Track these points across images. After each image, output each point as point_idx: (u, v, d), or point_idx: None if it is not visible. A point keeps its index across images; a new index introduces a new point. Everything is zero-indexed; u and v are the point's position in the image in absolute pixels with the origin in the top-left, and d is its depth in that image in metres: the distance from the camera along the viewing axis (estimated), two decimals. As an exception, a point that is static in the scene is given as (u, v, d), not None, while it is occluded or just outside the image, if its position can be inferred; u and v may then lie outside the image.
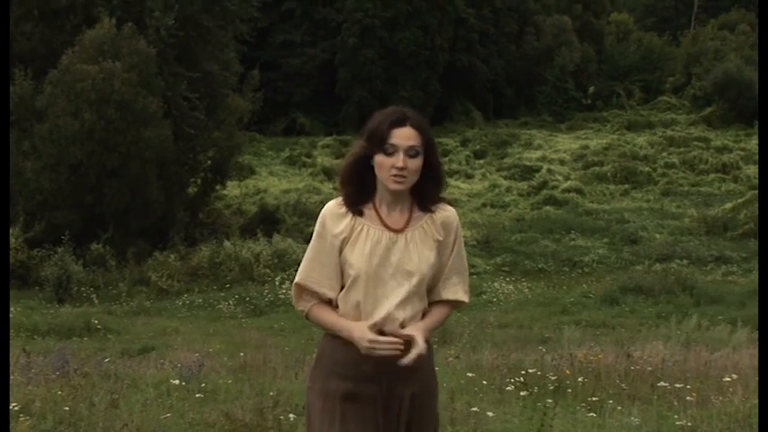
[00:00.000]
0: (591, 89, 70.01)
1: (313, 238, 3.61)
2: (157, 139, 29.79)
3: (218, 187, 36.73)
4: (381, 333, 3.47)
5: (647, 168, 47.47)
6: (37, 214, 29.15)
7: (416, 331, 3.49)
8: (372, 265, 3.50)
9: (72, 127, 28.73)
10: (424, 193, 3.57)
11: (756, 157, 48.54)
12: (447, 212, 3.63)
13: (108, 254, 28.40)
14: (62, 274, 25.98)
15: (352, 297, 3.53)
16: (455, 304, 3.71)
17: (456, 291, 3.66)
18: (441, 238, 3.59)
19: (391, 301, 3.50)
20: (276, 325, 21.00)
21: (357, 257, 3.50)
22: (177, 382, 8.50)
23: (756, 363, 8.94)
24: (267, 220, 34.63)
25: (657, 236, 35.37)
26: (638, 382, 8.47)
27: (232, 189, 40.10)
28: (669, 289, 24.70)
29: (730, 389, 7.72)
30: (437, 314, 3.66)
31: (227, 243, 30.15)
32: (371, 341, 3.43)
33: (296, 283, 3.62)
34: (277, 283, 26.59)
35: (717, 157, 48.71)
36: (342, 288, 3.58)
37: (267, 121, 54.09)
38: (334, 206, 3.58)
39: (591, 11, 76.16)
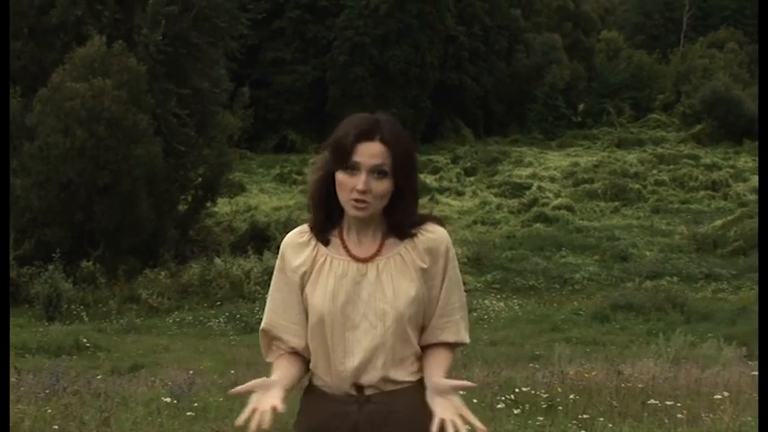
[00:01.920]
0: (581, 107, 70.22)
1: (273, 275, 3.03)
2: (148, 156, 29.78)
3: (208, 204, 36.69)
4: (360, 388, 2.89)
5: (637, 186, 47.58)
6: (27, 232, 29.08)
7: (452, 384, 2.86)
8: (338, 305, 2.85)
9: (62, 145, 28.70)
10: (396, 218, 2.92)
11: (746, 174, 48.78)
12: (433, 234, 2.94)
13: (98, 271, 28.33)
14: (52, 291, 25.89)
15: (317, 346, 2.91)
16: (456, 347, 3.06)
17: (458, 330, 3.00)
18: (425, 266, 2.91)
19: (365, 346, 2.86)
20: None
21: (319, 296, 2.88)
22: (168, 400, 8.48)
23: (747, 380, 8.96)
24: (258, 238, 34.59)
25: (648, 253, 35.42)
26: (628, 400, 8.47)
27: (222, 206, 40.06)
28: (659, 306, 24.74)
29: (721, 406, 7.73)
30: (442, 359, 2.98)
31: (217, 260, 30.11)
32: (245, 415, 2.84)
33: (261, 330, 3.04)
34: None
35: (706, 175, 48.86)
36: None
37: (258, 139, 54.14)
38: (294, 235, 2.99)
39: (581, 29, 76.52)
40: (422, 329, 2.98)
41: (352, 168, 2.81)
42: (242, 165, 46.60)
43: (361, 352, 2.86)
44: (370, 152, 2.81)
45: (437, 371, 2.91)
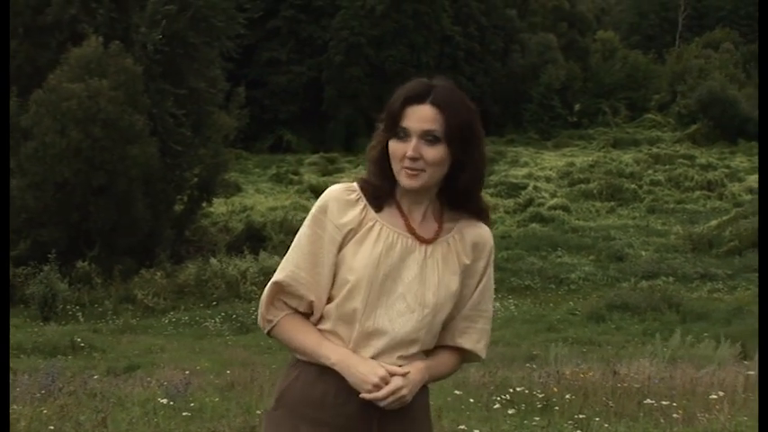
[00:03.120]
0: (577, 107, 70.29)
1: (305, 226, 2.70)
2: (144, 156, 29.75)
3: (204, 204, 36.68)
4: None
5: (632, 186, 47.63)
6: (22, 232, 29.04)
7: (413, 369, 2.65)
8: (379, 275, 2.61)
9: (58, 145, 28.67)
10: (452, 194, 2.69)
11: (741, 174, 48.84)
12: (482, 230, 2.74)
13: (94, 272, 28.30)
14: (47, 292, 25.86)
15: (347, 306, 2.63)
16: (468, 357, 2.83)
17: (478, 339, 2.77)
18: (468, 262, 2.71)
19: (396, 327, 2.62)
20: (263, 342, 20.94)
21: (362, 259, 2.62)
22: (164, 400, 8.47)
23: (743, 380, 8.97)
24: (253, 238, 34.59)
25: (643, 253, 35.44)
26: (624, 400, 8.48)
27: (218, 206, 40.05)
28: (655, 306, 24.75)
29: (717, 406, 7.74)
30: (445, 361, 2.78)
31: (213, 260, 30.10)
32: (387, 385, 2.59)
33: (275, 282, 2.72)
34: (263, 300, 26.54)
35: (702, 175, 48.92)
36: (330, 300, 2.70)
37: (254, 139, 54.16)
38: (341, 191, 2.70)
39: (576, 29, 76.58)
40: (445, 328, 2.76)
41: (403, 135, 2.61)
42: (238, 165, 46.62)
43: (390, 332, 2.62)
44: (420, 116, 2.60)
45: (429, 360, 2.72)
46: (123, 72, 29.92)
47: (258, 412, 7.83)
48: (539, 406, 8.37)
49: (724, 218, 38.99)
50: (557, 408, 8.26)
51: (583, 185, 47.81)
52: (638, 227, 41.27)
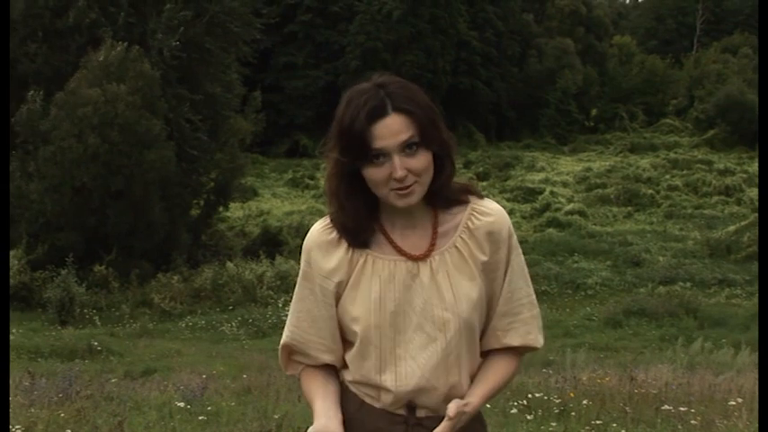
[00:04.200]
0: (593, 111, 70.12)
1: (298, 279, 2.48)
2: (161, 161, 29.83)
3: (220, 209, 36.77)
4: (412, 408, 2.36)
5: (650, 191, 47.49)
6: (40, 236, 29.16)
7: (457, 406, 2.29)
8: (386, 316, 2.31)
9: (76, 149, 28.77)
10: (440, 187, 2.37)
11: (758, 179, 48.49)
12: (490, 217, 2.39)
13: (111, 275, 28.40)
14: (65, 296, 25.95)
15: (364, 365, 2.37)
16: (524, 352, 2.51)
17: (526, 331, 2.44)
18: (486, 258, 2.37)
19: (421, 364, 2.31)
20: (279, 347, 20.94)
21: (362, 307, 2.33)
22: (180, 404, 8.48)
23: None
24: (270, 242, 34.63)
25: (661, 258, 35.33)
26: (641, 406, 8.44)
27: (235, 211, 40.14)
28: (672, 312, 24.66)
29: (735, 413, 7.69)
30: (499, 371, 2.44)
31: (229, 265, 30.15)
32: None
33: (283, 345, 2.52)
34: (280, 305, 26.58)
35: (720, 180, 48.75)
36: (349, 346, 2.44)
37: (270, 143, 54.24)
38: (320, 232, 2.42)
39: (593, 33, 76.42)
40: (481, 333, 2.44)
41: (377, 156, 2.27)
42: (254, 169, 46.70)
43: (417, 371, 2.31)
44: (391, 130, 2.27)
45: (476, 389, 2.38)
46: (141, 77, 30.03)
47: (275, 417, 7.83)
48: (555, 411, 8.34)
49: (742, 223, 38.81)
50: (573, 413, 8.23)
51: (600, 190, 47.69)
52: (655, 232, 41.13)
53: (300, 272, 2.47)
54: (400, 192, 2.28)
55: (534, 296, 2.47)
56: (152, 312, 27.22)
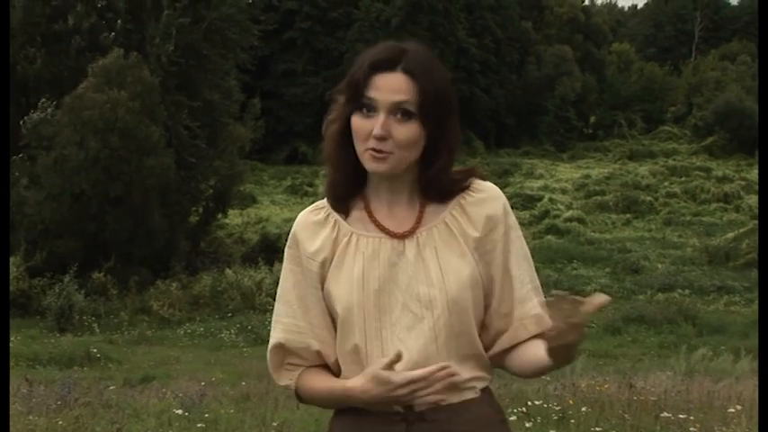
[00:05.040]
0: (592, 119, 70.23)
1: (283, 266, 2.31)
2: (160, 167, 29.84)
3: (219, 216, 36.76)
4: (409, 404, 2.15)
5: (648, 198, 47.54)
6: (38, 243, 29.15)
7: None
8: (369, 295, 2.16)
9: (76, 156, 28.78)
10: (429, 176, 2.20)
11: (757, 186, 48.57)
12: (484, 193, 2.23)
13: (109, 283, 28.37)
14: (64, 303, 25.93)
15: (346, 348, 2.19)
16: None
17: (542, 317, 2.20)
18: (478, 234, 2.19)
19: (409, 346, 2.13)
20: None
21: (344, 286, 2.17)
22: (179, 411, 8.47)
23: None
24: (268, 249, 34.61)
25: (659, 265, 35.34)
26: (641, 413, 8.42)
27: (233, 218, 40.14)
28: (671, 319, 24.67)
29: (734, 420, 7.68)
30: (526, 350, 2.21)
31: (228, 271, 30.14)
32: (403, 381, 2.06)
33: (274, 346, 2.29)
34: (279, 312, 26.56)
35: (718, 187, 48.82)
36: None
37: (269, 150, 54.27)
38: (308, 213, 2.33)
39: (592, 41, 76.57)
40: (487, 326, 2.23)
41: (368, 108, 2.14)
42: (253, 176, 46.71)
43: (405, 354, 2.09)
44: (390, 86, 2.13)
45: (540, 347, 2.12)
46: (140, 83, 30.05)
47: (274, 424, 7.82)
48: (555, 418, 8.33)
49: (741, 230, 38.84)
50: (573, 421, 8.22)
51: (598, 197, 47.73)
52: (654, 239, 41.15)
53: (286, 257, 2.29)
54: (374, 153, 2.13)
55: (538, 284, 2.29)
56: (151, 319, 27.20)
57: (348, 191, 2.25)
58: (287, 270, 2.28)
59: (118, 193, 29.17)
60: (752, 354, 15.09)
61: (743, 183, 49.67)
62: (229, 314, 27.62)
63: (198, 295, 29.01)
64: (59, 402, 9.10)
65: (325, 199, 2.31)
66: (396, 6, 60.02)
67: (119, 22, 32.78)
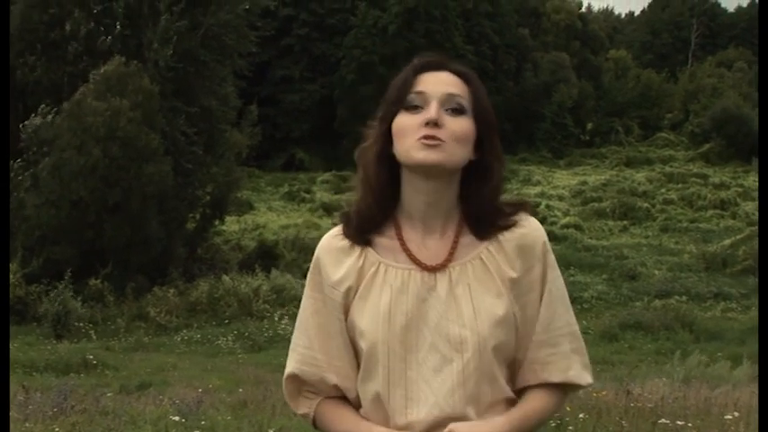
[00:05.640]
0: (589, 125, 70.28)
1: (304, 294, 2.17)
2: (158, 175, 29.82)
3: (216, 222, 36.72)
4: None
5: (645, 204, 47.56)
6: (36, 250, 29.11)
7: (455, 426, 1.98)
8: (395, 331, 2.01)
9: (76, 162, 28.76)
10: (475, 201, 2.07)
11: (755, 193, 48.64)
12: (525, 228, 2.11)
13: (106, 289, 28.33)
14: (60, 309, 25.89)
15: (368, 388, 2.06)
16: (568, 389, 2.16)
17: (567, 366, 2.10)
18: (515, 274, 2.06)
19: (435, 389, 1.99)
20: (275, 361, 20.90)
21: (369, 319, 2.03)
22: (176, 418, 8.46)
23: (757, 401, 8.90)
24: (266, 256, 34.60)
25: (656, 272, 35.34)
26: (638, 420, 8.42)
27: (231, 224, 40.10)
28: (668, 325, 24.66)
29: (732, 427, 7.68)
30: (534, 405, 2.09)
31: (225, 278, 30.11)
32: None
33: (289, 376, 2.17)
34: (276, 318, 26.53)
35: (715, 194, 48.87)
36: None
37: (266, 157, 54.26)
38: (332, 238, 2.15)
39: (589, 47, 76.64)
40: (515, 365, 2.11)
41: (415, 104, 2.02)
42: (250, 183, 46.69)
43: (430, 397, 1.98)
44: (439, 79, 2.03)
45: (507, 414, 2.04)
46: (141, 92, 30.04)
47: (270, 431, 7.80)
48: (552, 425, 8.31)
49: (737, 237, 38.87)
50: (570, 427, 8.21)
51: (595, 204, 47.75)
52: (650, 246, 41.16)
53: (308, 283, 2.16)
54: (426, 140, 1.97)
55: (577, 327, 2.17)
56: (147, 326, 27.16)
57: (380, 215, 2.09)
58: (307, 296, 2.16)
59: (116, 200, 29.15)
60: (750, 360, 15.10)
61: (739, 189, 49.74)
62: (226, 321, 27.59)
63: (195, 302, 28.97)
64: (56, 409, 9.09)
65: (345, 228, 2.15)
66: (393, 13, 60.04)
67: (117, 26, 32.74)
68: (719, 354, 18.69)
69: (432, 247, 2.06)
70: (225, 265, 33.58)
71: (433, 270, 2.04)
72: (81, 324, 26.15)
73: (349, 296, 2.08)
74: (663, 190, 50.53)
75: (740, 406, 8.84)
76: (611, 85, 73.60)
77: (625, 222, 45.67)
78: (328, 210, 46.29)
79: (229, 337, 24.96)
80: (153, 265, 30.61)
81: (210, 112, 34.77)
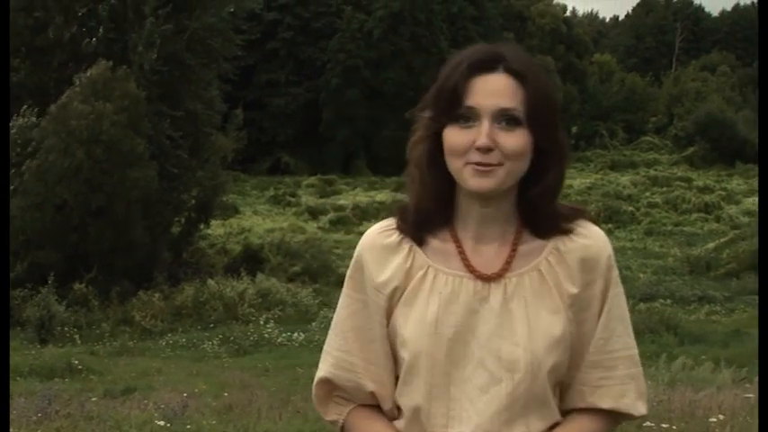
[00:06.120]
0: (574, 129, 70.47)
1: (343, 293, 2.03)
2: (143, 179, 29.75)
3: (201, 226, 36.63)
4: None
5: (630, 208, 47.73)
6: (20, 254, 28.99)
7: None
8: (441, 342, 1.86)
9: (60, 165, 28.67)
10: (533, 203, 1.92)
11: (738, 197, 48.90)
12: (588, 240, 1.95)
13: (91, 294, 28.24)
14: (45, 314, 25.79)
15: (407, 401, 1.92)
16: (619, 417, 1.99)
17: (621, 393, 1.94)
18: (576, 290, 1.91)
19: (480, 410, 1.85)
20: (260, 365, 20.89)
21: (414, 327, 1.89)
22: (161, 423, 8.44)
23: (743, 403, 8.95)
24: (251, 260, 34.55)
25: (641, 275, 35.43)
26: (623, 423, 8.43)
27: (216, 228, 40.02)
28: (653, 328, 24.69)
29: (716, 429, 7.71)
30: (574, 429, 1.93)
31: (210, 282, 30.05)
32: None
33: (320, 381, 2.03)
34: (261, 322, 26.48)
35: (699, 197, 49.09)
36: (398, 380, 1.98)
37: (251, 161, 54.23)
38: (378, 234, 1.98)
39: (574, 51, 76.88)
40: (561, 386, 1.95)
41: (466, 118, 1.84)
42: (236, 187, 46.63)
43: (474, 418, 1.85)
44: (492, 89, 1.84)
45: None
46: (127, 96, 29.97)
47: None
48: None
49: (721, 240, 39.03)
50: (555, 431, 8.22)
51: (580, 208, 47.86)
52: (635, 249, 41.29)
53: (347, 281, 2.01)
54: (478, 167, 1.82)
55: (636, 351, 2.01)
56: (132, 330, 27.07)
57: (437, 218, 1.93)
58: (345, 296, 2.01)
59: (100, 203, 29.06)
60: (733, 363, 15.17)
61: (723, 193, 50.00)
62: (212, 325, 27.53)
63: (180, 306, 28.90)
64: (40, 414, 9.05)
65: (397, 221, 1.98)
66: (378, 17, 60.11)
67: (100, 29, 32.64)
68: (704, 357, 18.76)
69: (486, 254, 1.92)
70: (210, 269, 33.52)
71: (487, 279, 1.89)
72: (65, 328, 26.05)
73: (394, 299, 1.93)
74: (647, 193, 50.72)
75: (724, 408, 8.88)
76: (595, 88, 73.86)
77: (610, 226, 45.73)
78: (314, 213, 46.31)
79: (215, 342, 24.90)
80: (138, 270, 30.52)
81: (196, 115, 34.69)
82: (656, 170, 57.15)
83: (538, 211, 1.91)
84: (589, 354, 1.92)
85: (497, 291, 1.88)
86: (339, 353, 1.98)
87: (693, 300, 31.47)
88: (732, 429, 7.73)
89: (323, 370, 2.00)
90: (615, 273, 1.99)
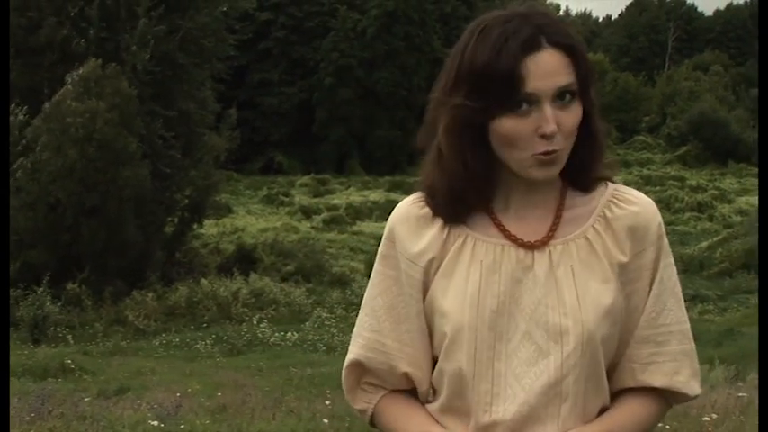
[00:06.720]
0: (567, 128, 70.55)
1: (374, 270, 1.88)
2: (136, 178, 29.71)
3: (195, 226, 36.60)
4: None
5: (623, 207, 47.82)
6: (13, 254, 28.93)
7: None
8: (484, 315, 1.73)
9: (54, 164, 28.62)
10: (579, 164, 1.78)
11: (731, 196, 49.00)
12: (635, 206, 1.84)
13: (84, 293, 28.20)
14: (38, 314, 25.75)
15: (448, 379, 1.78)
16: (671, 396, 1.84)
17: (677, 369, 1.81)
18: (625, 259, 1.78)
19: (527, 386, 1.72)
20: (254, 365, 20.88)
21: (454, 299, 1.76)
22: (154, 423, 8.43)
23: (735, 402, 8.96)
24: (244, 259, 34.53)
25: (634, 274, 35.52)
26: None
27: (209, 228, 39.98)
28: (646, 327, 24.80)
29: (709, 428, 7.72)
30: (632, 413, 1.79)
31: (204, 282, 30.03)
32: None
33: (351, 363, 1.88)
34: (255, 322, 26.46)
35: (692, 197, 49.18)
36: (435, 364, 1.83)
37: (245, 160, 54.18)
38: (410, 205, 1.85)
39: (567, 51, 76.93)
40: (610, 365, 1.81)
41: (522, 105, 1.68)
42: (229, 186, 46.60)
43: (520, 394, 1.72)
44: (546, 69, 1.68)
45: (599, 421, 1.77)
46: (118, 94, 29.92)
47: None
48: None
49: (714, 239, 39.11)
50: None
51: (574, 207, 47.96)
52: (629, 248, 41.38)
53: (379, 258, 1.87)
54: (544, 157, 1.69)
55: (689, 326, 1.86)
56: (126, 330, 27.04)
57: (473, 195, 1.79)
58: (377, 273, 1.86)
59: (93, 203, 29.01)
60: (722, 361, 15.19)
61: (716, 192, 50.09)
62: (205, 324, 27.51)
63: (173, 306, 28.88)
64: (33, 414, 9.04)
65: (429, 201, 1.84)
66: (371, 16, 60.13)
67: (92, 29, 32.59)
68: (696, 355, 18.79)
69: (528, 219, 1.79)
70: (203, 269, 33.50)
71: (530, 247, 1.76)
72: (58, 328, 26.02)
73: (430, 271, 1.79)
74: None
75: (718, 408, 8.89)
76: (588, 88, 73.95)
77: (603, 225, 45.93)
78: (307, 213, 46.27)
79: (208, 341, 24.88)
80: (131, 269, 30.47)
81: (189, 115, 34.67)
82: (649, 169, 57.23)
83: (588, 171, 1.81)
84: (639, 328, 1.79)
85: (542, 259, 1.75)
86: (370, 333, 1.85)
87: (687, 299, 30.77)
88: (726, 429, 7.74)
89: (353, 352, 1.86)
90: (666, 242, 1.85)
